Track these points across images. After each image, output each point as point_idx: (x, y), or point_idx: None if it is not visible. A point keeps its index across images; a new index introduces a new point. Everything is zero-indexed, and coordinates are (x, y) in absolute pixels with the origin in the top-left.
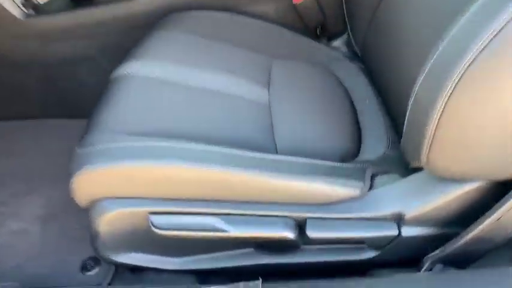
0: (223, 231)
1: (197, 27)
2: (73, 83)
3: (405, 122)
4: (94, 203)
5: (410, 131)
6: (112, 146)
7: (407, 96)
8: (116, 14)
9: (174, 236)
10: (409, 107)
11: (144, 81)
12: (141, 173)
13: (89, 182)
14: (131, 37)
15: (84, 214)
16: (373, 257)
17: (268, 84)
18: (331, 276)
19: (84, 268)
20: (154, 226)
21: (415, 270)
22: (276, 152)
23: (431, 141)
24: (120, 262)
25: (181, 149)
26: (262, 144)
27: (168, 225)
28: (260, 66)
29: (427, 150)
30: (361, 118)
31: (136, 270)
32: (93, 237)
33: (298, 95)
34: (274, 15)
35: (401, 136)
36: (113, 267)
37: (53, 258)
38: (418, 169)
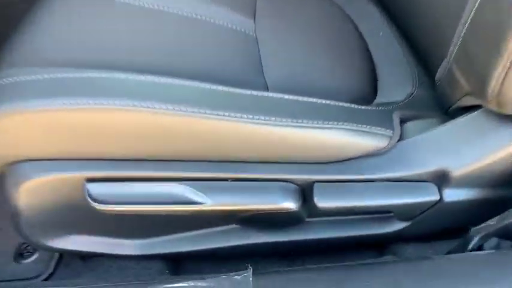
0: (195, 203)
1: None
2: None
3: (455, 47)
4: (7, 168)
5: (468, 62)
6: (23, 80)
7: (448, 14)
8: None
9: (124, 211)
10: (462, 35)
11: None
12: (68, 119)
13: None
14: None
15: None
16: (399, 230)
17: (254, 13)
18: (342, 256)
19: (20, 255)
20: (93, 199)
21: (450, 245)
22: (267, 90)
23: (508, 70)
24: (57, 248)
25: (131, 82)
26: (249, 80)
27: (113, 196)
28: None
29: (500, 80)
30: (374, 53)
31: (87, 257)
32: (13, 215)
33: (291, 26)
34: None
35: (435, 69)
36: (56, 254)
37: None
38: (460, 112)
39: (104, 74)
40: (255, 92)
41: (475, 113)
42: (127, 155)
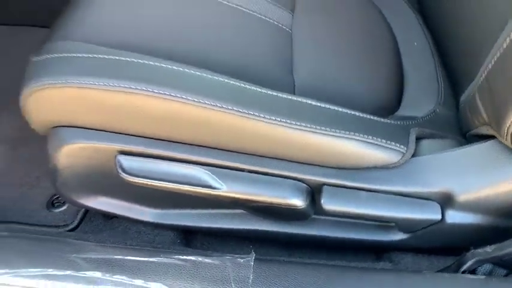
0: (211, 187)
1: None
2: None
3: (480, 77)
4: (51, 131)
5: (490, 96)
6: (71, 57)
7: (482, 43)
8: None
9: (148, 185)
10: (488, 68)
11: None
12: (106, 97)
13: (42, 100)
14: None
15: None
16: (399, 240)
17: (293, 7)
18: (341, 254)
19: (51, 204)
20: (122, 170)
21: (447, 261)
22: (294, 90)
23: None
24: (84, 205)
25: (165, 70)
26: (277, 78)
27: (140, 171)
28: None
29: None
30: (405, 62)
31: (109, 217)
32: (52, 172)
33: (328, 25)
34: None
35: (461, 91)
36: (83, 209)
37: (18, 188)
38: (477, 138)
39: (146, 61)
40: (280, 94)
41: (489, 143)
42: (157, 135)
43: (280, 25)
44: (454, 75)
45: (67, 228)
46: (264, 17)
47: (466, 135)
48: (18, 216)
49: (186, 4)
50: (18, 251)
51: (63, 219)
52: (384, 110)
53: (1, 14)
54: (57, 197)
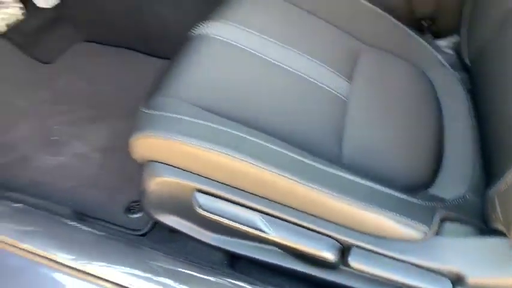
0: (263, 231)
1: None
2: (157, 20)
3: (502, 182)
4: (148, 162)
5: (505, 203)
6: (175, 117)
7: None
8: None
9: (214, 219)
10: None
11: (224, 46)
12: (197, 152)
13: (147, 145)
14: None
15: None
16: None
17: (351, 76)
18: None
19: (129, 210)
20: (197, 204)
21: None
22: (340, 160)
23: None
24: (159, 220)
25: (240, 138)
26: (327, 148)
27: (211, 208)
28: (347, 51)
29: None
30: (447, 141)
31: (173, 231)
32: (141, 191)
33: (381, 96)
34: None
35: (491, 182)
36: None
37: (103, 191)
38: (497, 232)
39: (235, 131)
40: (329, 168)
41: (505, 240)
42: (229, 183)
43: (337, 93)
44: (489, 164)
45: (139, 233)
46: (324, 86)
47: (487, 225)
48: (103, 215)
49: (262, 70)
50: (112, 249)
51: (137, 225)
52: (417, 186)
53: (110, 35)
54: (134, 204)
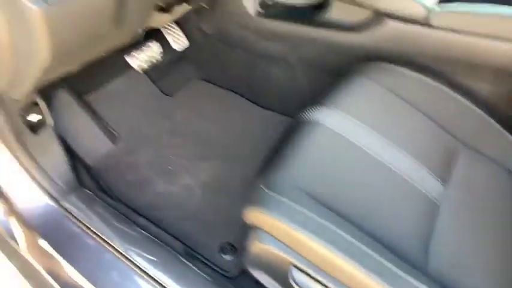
0: None
1: (394, 84)
2: (266, 75)
3: None
4: (255, 228)
5: None
6: (290, 207)
7: None
8: (331, 40)
9: None
10: None
11: (334, 138)
12: (306, 241)
13: (260, 218)
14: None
15: (243, 200)
16: None
17: (445, 179)
18: None
19: (222, 250)
20: (292, 278)
21: None
22: (426, 269)
23: None
24: (252, 274)
25: (348, 242)
26: (412, 255)
27: (303, 284)
28: (444, 150)
29: None
30: None
31: (258, 283)
32: (243, 247)
33: (476, 205)
34: (485, 92)
35: None
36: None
37: (203, 226)
38: None
39: (340, 231)
40: (412, 280)
41: None
42: (324, 269)
43: (429, 195)
44: None
45: (228, 275)
46: (421, 188)
47: None
48: (202, 251)
49: (366, 167)
50: None
51: (228, 266)
52: None
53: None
54: (228, 246)
